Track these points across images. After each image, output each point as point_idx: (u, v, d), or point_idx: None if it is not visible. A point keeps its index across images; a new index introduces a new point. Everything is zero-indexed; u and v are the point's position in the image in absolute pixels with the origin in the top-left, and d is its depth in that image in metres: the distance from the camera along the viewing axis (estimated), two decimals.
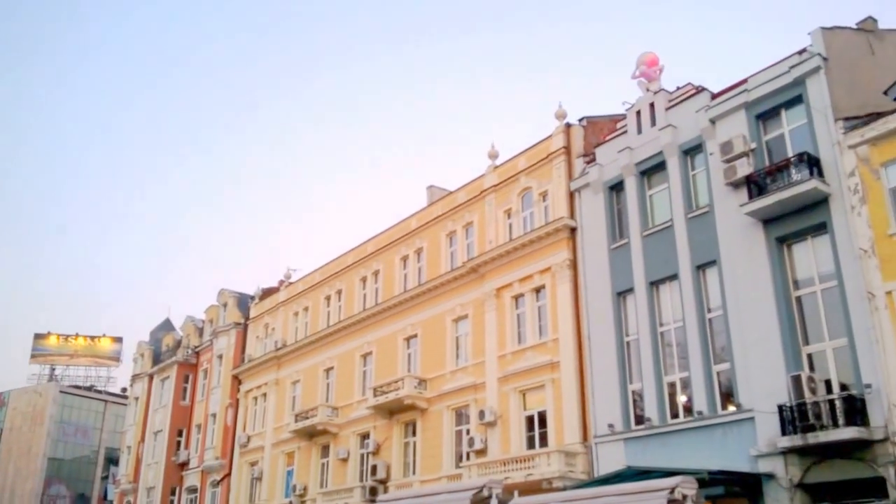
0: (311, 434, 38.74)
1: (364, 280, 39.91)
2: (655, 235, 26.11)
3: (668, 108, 26.71)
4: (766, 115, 23.84)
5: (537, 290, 29.92)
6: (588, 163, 29.26)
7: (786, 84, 23.12)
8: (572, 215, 29.16)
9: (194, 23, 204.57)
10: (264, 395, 44.94)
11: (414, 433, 33.76)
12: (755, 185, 22.64)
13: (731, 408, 22.61)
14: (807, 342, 21.51)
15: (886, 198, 20.36)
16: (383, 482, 33.55)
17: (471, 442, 29.68)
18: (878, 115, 21.16)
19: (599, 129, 31.02)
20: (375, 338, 37.58)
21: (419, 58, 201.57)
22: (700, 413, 23.14)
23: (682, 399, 24.27)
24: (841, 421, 19.29)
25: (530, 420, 28.74)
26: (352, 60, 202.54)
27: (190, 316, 57.06)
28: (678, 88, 27.18)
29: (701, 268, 24.57)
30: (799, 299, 22.02)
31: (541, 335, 29.25)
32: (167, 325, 64.11)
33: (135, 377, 60.34)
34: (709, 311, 24.18)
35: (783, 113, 23.51)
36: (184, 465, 51.15)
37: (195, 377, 53.45)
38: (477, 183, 34.45)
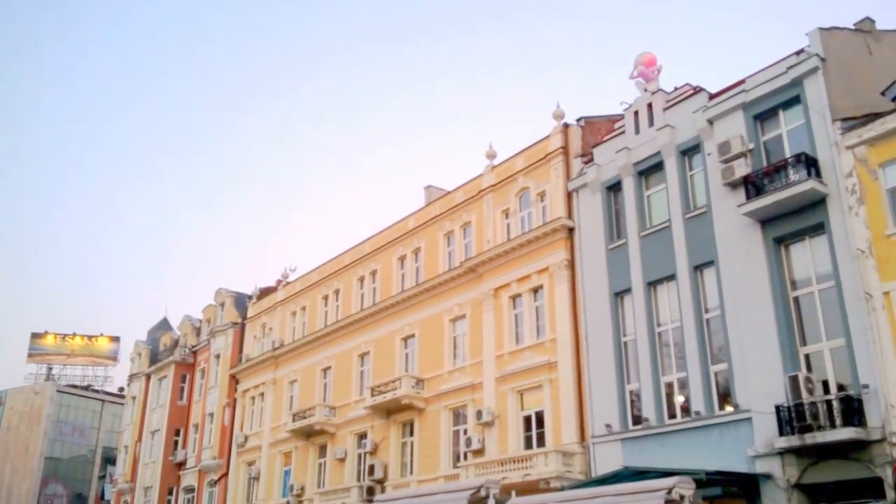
0: (308, 434, 38.73)
1: (362, 280, 39.90)
2: (653, 236, 26.11)
3: (665, 109, 26.72)
4: (763, 116, 23.85)
5: (535, 291, 29.92)
6: (586, 163, 29.27)
7: (783, 84, 23.14)
8: (570, 215, 29.16)
9: (192, 23, 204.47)
10: (262, 394, 44.92)
11: (411, 433, 33.76)
12: (753, 186, 22.65)
13: (729, 408, 22.63)
14: (804, 342, 21.52)
15: (884, 198, 20.37)
16: (381, 482, 33.55)
17: (468, 442, 29.68)
18: (875, 116, 21.18)
19: (597, 129, 31.03)
20: (373, 337, 37.57)
21: (418, 58, 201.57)
22: (697, 413, 23.14)
23: (679, 399, 24.28)
24: (838, 421, 19.30)
25: (528, 420, 28.74)
26: (351, 60, 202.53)
27: (187, 315, 57.04)
28: (676, 89, 27.19)
29: (698, 268, 24.58)
30: (796, 300, 22.04)
31: (538, 335, 29.25)
32: (164, 325, 64.09)
33: (132, 377, 60.32)
34: (706, 311, 24.19)
35: (781, 113, 23.52)
36: (181, 465, 51.14)
37: (192, 377, 53.42)
38: (475, 183, 34.45)
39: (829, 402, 19.65)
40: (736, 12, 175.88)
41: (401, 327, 35.99)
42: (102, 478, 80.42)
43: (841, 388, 20.23)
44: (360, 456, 36.06)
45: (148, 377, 57.35)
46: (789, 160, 22.03)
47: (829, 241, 21.25)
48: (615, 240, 27.45)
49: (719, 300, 23.63)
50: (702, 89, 26.03)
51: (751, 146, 23.42)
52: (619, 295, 26.84)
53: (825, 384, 20.40)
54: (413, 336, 35.32)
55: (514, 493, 23.45)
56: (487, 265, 31.64)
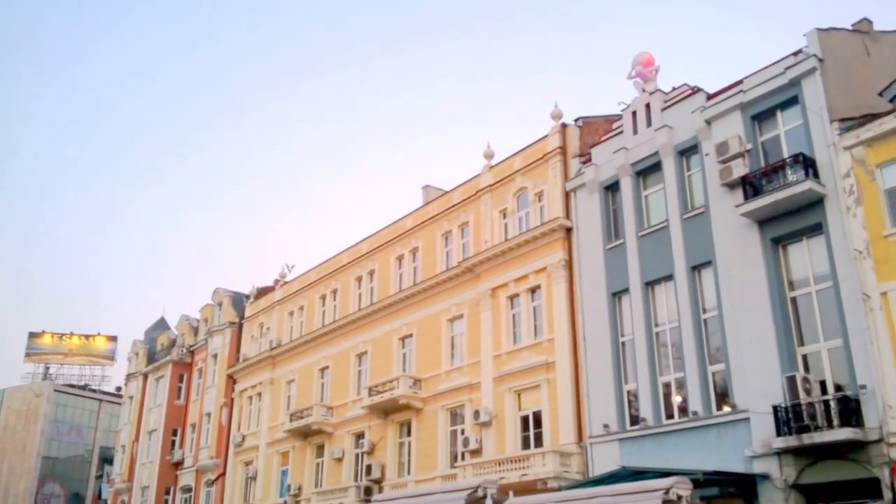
0: (305, 434, 38.71)
1: (359, 279, 39.88)
2: (651, 236, 26.12)
3: (663, 109, 26.72)
4: (761, 116, 23.86)
5: (533, 291, 29.91)
6: (584, 163, 29.27)
7: (781, 85, 23.14)
8: (568, 215, 29.15)
9: (191, 23, 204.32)
10: (259, 394, 44.89)
11: (409, 433, 33.75)
12: (750, 186, 22.65)
13: (726, 408, 22.64)
14: (802, 343, 21.53)
15: (881, 199, 20.38)
16: (378, 482, 33.52)
17: (466, 442, 29.67)
18: (873, 117, 21.19)
19: (595, 129, 31.03)
20: (370, 337, 37.54)
21: (417, 59, 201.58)
22: (695, 413, 23.14)
23: (677, 399, 24.28)
24: (836, 422, 19.31)
25: (525, 420, 28.74)
26: (350, 61, 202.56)
27: (185, 315, 56.99)
28: (674, 89, 27.19)
29: (696, 268, 24.59)
30: (794, 300, 22.04)
31: (536, 335, 29.24)
32: (162, 325, 64.04)
33: (129, 376, 60.25)
34: (704, 311, 24.19)
35: (779, 114, 23.53)
36: (178, 465, 51.10)
37: (190, 376, 53.37)
38: (472, 183, 34.44)
39: (826, 403, 19.66)
40: (734, 13, 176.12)
41: (398, 327, 35.97)
42: (99, 477, 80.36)
43: (838, 388, 20.24)
44: (357, 456, 36.04)
45: (145, 377, 57.30)
46: (787, 161, 22.04)
47: (826, 241, 21.26)
48: (613, 240, 27.44)
49: (717, 300, 23.64)
50: (700, 89, 26.03)
51: (749, 146, 23.42)
52: (617, 295, 26.84)
53: (823, 384, 20.41)
54: (411, 336, 35.30)
55: (511, 493, 23.44)
56: (485, 265, 31.63)
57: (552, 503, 22.12)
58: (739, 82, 24.58)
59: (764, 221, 22.58)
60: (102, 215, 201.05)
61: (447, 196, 36.13)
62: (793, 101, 23.01)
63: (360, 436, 36.14)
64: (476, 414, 29.72)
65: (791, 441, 19.82)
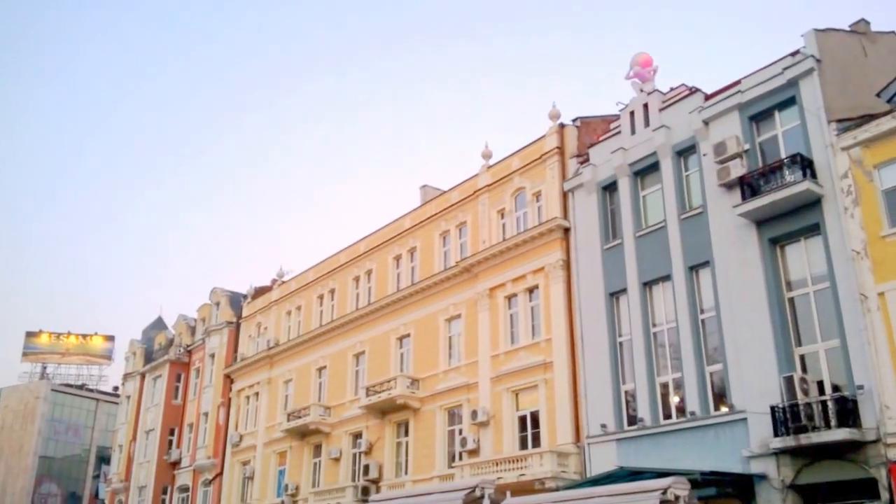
0: (303, 433, 38.68)
1: (357, 279, 39.85)
2: (649, 236, 26.12)
3: (661, 109, 26.72)
4: (759, 117, 23.86)
5: (530, 291, 29.91)
6: (581, 163, 29.27)
7: (779, 86, 23.14)
8: (566, 215, 29.14)
9: (190, 24, 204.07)
10: (256, 394, 44.84)
11: (406, 433, 33.73)
12: (748, 187, 22.65)
13: (724, 409, 22.64)
14: (799, 343, 21.54)
15: (879, 199, 20.40)
16: (375, 482, 33.49)
17: (463, 442, 29.67)
18: (870, 117, 21.20)
19: (593, 129, 31.02)
20: (368, 337, 37.52)
21: (416, 60, 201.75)
22: (693, 414, 23.15)
23: (674, 400, 24.28)
24: (833, 422, 19.32)
25: (523, 420, 28.73)
26: (349, 62, 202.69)
27: (182, 315, 56.92)
28: (672, 89, 27.19)
29: (694, 269, 24.59)
30: (792, 300, 22.05)
31: (534, 335, 29.23)
32: (159, 324, 63.96)
33: (126, 376, 60.14)
34: (702, 311, 24.20)
35: (776, 114, 23.54)
36: (175, 464, 51.02)
37: (187, 376, 53.30)
38: (470, 183, 34.43)
39: (823, 403, 19.67)
40: (732, 14, 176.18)
41: (396, 327, 35.95)
42: (97, 477, 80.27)
43: (836, 388, 20.23)
44: (354, 456, 36.01)
45: (142, 376, 57.21)
46: (785, 161, 22.05)
47: (824, 242, 21.27)
48: (611, 240, 27.44)
49: (715, 301, 23.64)
50: (697, 90, 26.04)
51: (746, 147, 23.44)
52: (615, 295, 26.84)
53: (820, 385, 20.40)
54: (408, 336, 35.28)
55: (509, 493, 23.43)
56: (483, 265, 31.62)
57: (550, 503, 22.12)
58: (737, 83, 24.58)
59: (762, 222, 22.59)
60: (101, 215, 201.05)
61: (445, 196, 36.12)
62: (790, 101, 23.02)
63: (357, 436, 36.11)
64: (474, 414, 29.72)
65: (788, 441, 19.83)
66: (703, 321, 24.07)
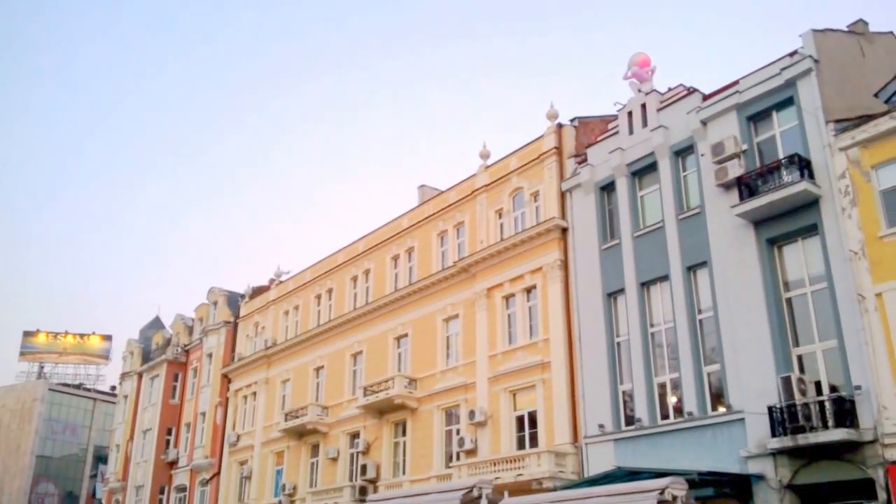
0: (300, 433, 38.65)
1: (355, 279, 39.82)
2: (646, 236, 26.12)
3: (659, 110, 26.72)
4: (757, 117, 23.87)
5: (528, 291, 29.90)
6: (579, 163, 29.26)
7: (777, 86, 23.14)
8: (563, 216, 29.14)
9: (188, 23, 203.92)
10: (254, 393, 44.82)
11: (404, 433, 33.71)
12: (746, 187, 22.66)
13: (722, 409, 22.62)
14: (797, 344, 21.55)
15: (877, 200, 20.40)
16: (373, 482, 33.49)
17: (461, 442, 29.66)
18: (868, 118, 21.21)
19: (591, 129, 31.02)
20: (366, 337, 37.51)
21: (414, 60, 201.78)
22: (690, 414, 23.15)
23: (672, 400, 24.28)
24: (830, 422, 19.32)
25: (520, 420, 28.72)
26: (347, 62, 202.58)
27: (180, 314, 56.93)
28: (670, 90, 27.18)
29: (692, 269, 24.59)
30: (789, 301, 22.05)
31: (531, 335, 29.23)
32: (157, 324, 63.92)
33: (124, 375, 60.11)
34: (699, 312, 24.20)
35: (774, 115, 23.54)
36: (173, 464, 50.98)
37: (185, 375, 53.28)
38: (468, 183, 34.41)
39: (821, 404, 19.67)
40: (730, 14, 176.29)
41: (394, 327, 35.94)
42: (94, 476, 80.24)
43: (833, 389, 20.23)
44: (352, 455, 35.99)
45: (140, 376, 57.17)
46: (782, 161, 22.04)
47: (822, 242, 21.28)
48: (608, 240, 27.44)
49: (712, 301, 23.64)
50: (695, 90, 26.04)
51: (744, 147, 23.44)
52: (613, 295, 26.84)
53: (818, 385, 20.40)
54: (406, 336, 35.27)
55: (506, 493, 23.46)
56: (481, 265, 31.61)
57: (547, 503, 22.12)
58: (735, 83, 24.59)
59: (759, 222, 22.59)
60: (99, 214, 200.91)
61: (443, 196, 36.10)
62: (788, 101, 23.02)
63: (355, 435, 36.09)
64: (471, 414, 29.71)
65: (786, 442, 19.83)
66: (700, 321, 24.07)
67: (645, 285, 25.89)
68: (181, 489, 49.43)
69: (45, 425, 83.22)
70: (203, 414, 48.49)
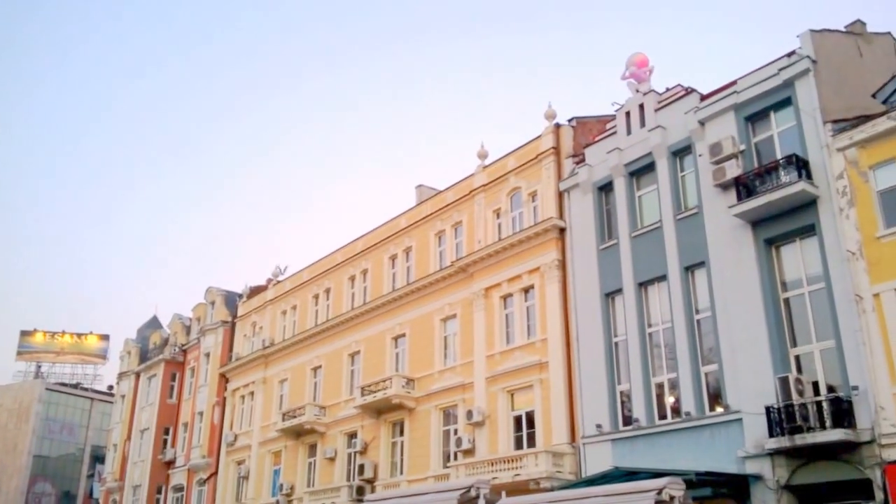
0: (298, 433, 38.62)
1: (352, 279, 39.81)
2: (644, 236, 26.12)
3: (657, 110, 26.72)
4: (755, 117, 23.88)
5: (526, 290, 29.90)
6: (577, 163, 29.26)
7: (775, 86, 23.15)
8: (561, 216, 29.14)
9: (185, 22, 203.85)
10: (251, 393, 44.79)
11: (401, 433, 33.70)
12: (744, 187, 22.67)
13: (719, 409, 22.64)
14: (794, 344, 21.56)
15: (874, 200, 20.41)
16: (370, 482, 33.48)
17: (458, 442, 29.64)
18: (866, 118, 21.22)
19: (589, 129, 31.01)
20: (363, 337, 37.49)
21: (412, 60, 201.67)
22: (688, 414, 23.16)
23: (669, 400, 24.29)
24: (828, 423, 19.33)
25: (518, 420, 28.71)
26: (345, 61, 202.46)
27: (177, 314, 56.87)
28: (668, 90, 27.19)
29: (689, 269, 24.59)
30: (787, 301, 22.07)
31: (529, 335, 29.23)
32: (154, 323, 63.82)
33: (121, 375, 60.06)
34: (697, 312, 24.20)
35: (772, 115, 23.55)
36: (170, 464, 50.95)
37: (182, 375, 53.22)
38: (466, 182, 34.40)
39: (818, 404, 19.68)
40: (728, 15, 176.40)
41: (391, 327, 35.92)
42: (91, 476, 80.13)
43: (831, 389, 20.26)
44: (349, 455, 35.98)
45: (137, 375, 57.12)
46: (780, 162, 22.05)
47: (819, 242, 21.29)
48: (606, 240, 27.44)
49: (710, 301, 23.64)
50: (693, 90, 26.04)
51: (742, 147, 23.45)
52: (610, 295, 26.84)
53: (815, 385, 20.42)
54: (404, 335, 35.25)
55: (504, 493, 23.43)
56: (478, 265, 31.60)
57: (545, 503, 22.11)
58: (733, 83, 24.59)
59: (757, 222, 22.60)
60: (96, 213, 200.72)
61: (441, 196, 36.09)
62: (786, 102, 23.03)
63: (352, 435, 36.08)
64: (469, 414, 29.70)
65: (783, 442, 19.84)
66: (698, 322, 24.07)
67: (643, 285, 25.89)
68: (178, 489, 49.39)
69: (43, 425, 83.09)
70: (200, 414, 48.45)
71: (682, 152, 25.82)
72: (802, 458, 20.03)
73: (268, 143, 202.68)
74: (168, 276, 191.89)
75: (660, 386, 24.68)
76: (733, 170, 23.08)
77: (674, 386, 24.19)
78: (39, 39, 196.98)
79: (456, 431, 30.66)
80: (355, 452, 35.31)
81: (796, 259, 22.16)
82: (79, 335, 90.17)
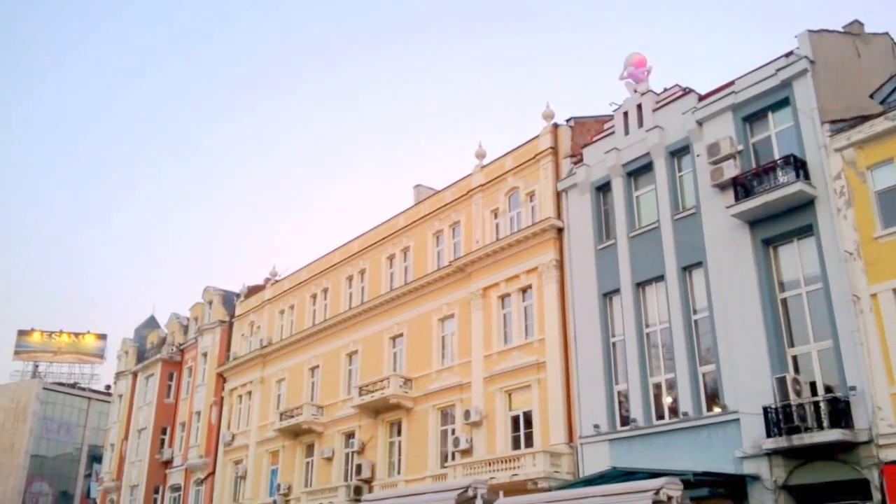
0: (295, 433, 38.61)
1: (350, 279, 39.80)
2: (642, 236, 26.12)
3: (655, 110, 26.73)
4: (752, 118, 23.89)
5: (524, 290, 29.89)
6: (575, 163, 29.26)
7: (773, 86, 23.16)
8: (559, 215, 29.14)
9: (185, 22, 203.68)
10: (249, 393, 44.77)
11: (399, 433, 33.69)
12: (742, 187, 22.68)
13: (717, 409, 22.66)
14: (792, 344, 21.57)
15: (872, 200, 20.42)
16: (368, 481, 33.47)
17: (456, 442, 29.64)
18: (864, 119, 21.24)
19: (587, 129, 31.02)
20: (361, 336, 37.48)
21: (410, 60, 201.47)
22: (685, 414, 23.16)
23: (667, 400, 24.29)
24: (825, 423, 19.34)
25: (516, 420, 28.71)
26: (343, 61, 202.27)
27: (175, 313, 56.81)
28: (665, 90, 27.19)
29: (687, 269, 24.60)
30: (784, 301, 22.08)
31: (527, 335, 29.23)
32: (152, 323, 63.78)
33: (119, 374, 60.02)
34: (695, 312, 24.21)
35: (770, 115, 23.56)
36: (167, 464, 50.92)
37: (179, 375, 53.18)
38: (464, 182, 34.40)
39: (816, 404, 19.69)
40: (726, 15, 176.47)
41: (389, 326, 35.91)
42: (88, 476, 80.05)
43: (828, 389, 20.28)
44: (347, 455, 35.97)
45: (135, 375, 57.09)
46: (778, 162, 22.06)
47: (817, 243, 21.30)
48: (604, 240, 27.45)
49: (708, 301, 23.65)
50: (691, 91, 26.05)
51: (740, 148, 23.45)
52: (608, 295, 26.84)
53: (813, 386, 20.45)
54: (401, 335, 35.24)
55: (501, 493, 23.39)
56: (476, 265, 31.59)
57: (542, 503, 22.10)
58: (731, 83, 24.60)
59: (755, 222, 22.61)
60: (94, 213, 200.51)
61: (439, 196, 36.08)
62: (784, 102, 23.04)
63: (350, 435, 36.07)
64: (466, 414, 29.70)
65: (781, 442, 19.86)
66: (696, 322, 24.08)
67: (640, 285, 25.89)
68: (176, 489, 49.36)
69: (40, 424, 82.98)
70: (198, 413, 48.40)
71: (679, 152, 25.83)
72: (800, 459, 20.04)
73: (267, 143, 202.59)
74: (166, 276, 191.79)
75: (657, 386, 24.69)
76: (731, 170, 23.08)
77: (671, 386, 24.20)
78: (39, 39, 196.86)
79: (453, 431, 30.66)
80: (353, 452, 35.31)
81: (794, 259, 22.17)
82: (76, 335, 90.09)
